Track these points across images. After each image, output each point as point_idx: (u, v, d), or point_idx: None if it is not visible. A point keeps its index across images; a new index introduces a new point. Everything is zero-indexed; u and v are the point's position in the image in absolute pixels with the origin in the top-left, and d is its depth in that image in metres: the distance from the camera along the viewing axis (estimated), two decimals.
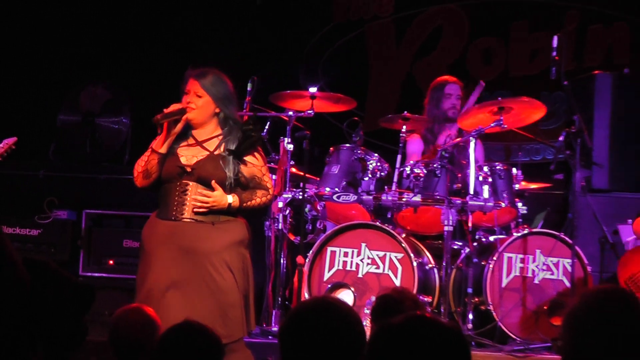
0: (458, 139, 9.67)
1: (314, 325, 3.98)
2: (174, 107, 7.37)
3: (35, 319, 2.03)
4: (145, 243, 7.53)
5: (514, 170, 9.62)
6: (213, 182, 7.23)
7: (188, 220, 7.34)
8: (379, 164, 9.62)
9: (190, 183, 7.32)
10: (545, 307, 9.25)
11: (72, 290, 2.34)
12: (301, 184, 9.31)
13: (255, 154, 7.47)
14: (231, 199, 7.27)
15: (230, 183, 7.33)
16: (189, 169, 7.33)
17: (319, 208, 9.68)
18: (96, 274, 10.74)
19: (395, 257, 9.31)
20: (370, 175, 9.56)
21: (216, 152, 7.39)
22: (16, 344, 2.00)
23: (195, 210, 7.29)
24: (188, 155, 7.41)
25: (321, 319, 4.00)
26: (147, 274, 7.40)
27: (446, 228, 9.23)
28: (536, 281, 9.37)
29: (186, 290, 7.27)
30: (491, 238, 9.77)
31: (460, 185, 9.35)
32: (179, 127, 7.39)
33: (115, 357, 5.55)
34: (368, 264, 9.36)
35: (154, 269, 7.36)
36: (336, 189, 9.52)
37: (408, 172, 9.48)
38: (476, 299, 9.41)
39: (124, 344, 5.55)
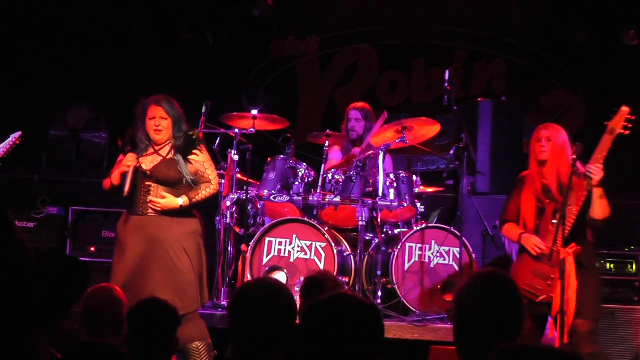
0: (370, 152, 9.69)
1: (255, 300, 4.01)
2: (126, 163, 7.40)
3: (35, 296, 2.00)
4: (119, 233, 7.60)
5: (414, 177, 9.66)
6: (162, 192, 7.34)
7: (152, 214, 7.41)
8: (306, 171, 9.63)
9: (152, 184, 7.39)
10: (438, 286, 9.28)
11: (66, 269, 2.30)
12: (245, 187, 9.31)
13: (196, 150, 7.49)
14: (181, 200, 7.35)
15: (187, 180, 7.42)
16: (148, 173, 7.39)
17: (258, 206, 9.67)
18: (80, 258, 10.65)
19: (320, 245, 9.31)
20: (299, 180, 9.57)
21: (168, 157, 7.44)
22: (21, 320, 1.96)
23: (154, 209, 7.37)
24: (147, 162, 7.46)
25: (261, 296, 4.03)
26: (120, 259, 7.47)
27: (360, 222, 9.23)
28: (431, 265, 9.40)
29: (151, 271, 7.32)
30: (396, 231, 9.78)
31: (371, 188, 9.38)
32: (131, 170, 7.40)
33: (84, 326, 5.54)
34: (298, 251, 9.34)
35: (126, 255, 7.42)
36: (272, 191, 9.53)
37: (330, 178, 9.49)
38: (384, 279, 9.41)
39: (92, 315, 5.53)
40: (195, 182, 7.46)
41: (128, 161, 7.38)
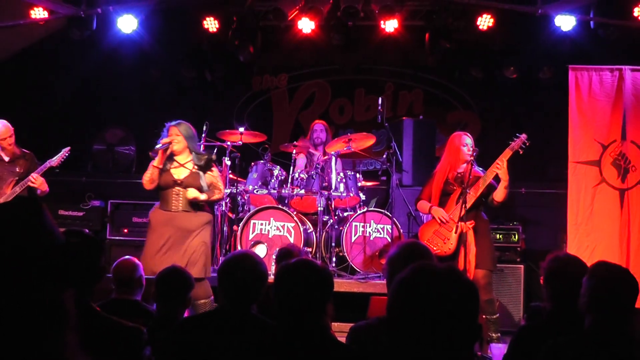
0: (326, 157, 9.68)
1: (237, 265, 4.06)
2: (163, 141, 7.51)
3: (65, 266, 2.00)
4: (152, 222, 7.59)
5: (358, 175, 9.67)
6: (192, 189, 7.46)
7: (179, 211, 7.49)
8: (280, 171, 9.63)
9: (181, 189, 7.48)
10: (376, 253, 9.27)
11: (83, 242, 2.27)
12: (235, 184, 9.33)
13: (212, 169, 7.62)
14: (203, 196, 7.44)
15: (203, 189, 7.50)
16: (179, 182, 7.47)
17: (245, 197, 9.65)
18: (116, 237, 10.68)
19: (290, 225, 9.27)
20: (275, 178, 9.57)
21: (193, 170, 7.52)
22: (51, 282, 1.96)
23: (188, 201, 7.48)
24: (177, 173, 7.53)
25: (242, 262, 4.09)
26: (152, 240, 7.49)
27: (319, 208, 9.24)
28: (371, 238, 9.38)
29: (174, 250, 7.38)
30: (345, 214, 9.76)
31: (327, 184, 9.36)
32: (168, 152, 7.54)
33: (115, 288, 5.52)
34: (274, 229, 9.30)
35: (158, 238, 7.46)
36: (255, 187, 9.51)
37: (297, 176, 9.49)
38: (337, 249, 9.40)
39: (121, 279, 5.51)
40: (208, 189, 7.55)
41: (165, 140, 7.55)
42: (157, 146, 7.50)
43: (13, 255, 1.91)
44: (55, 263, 1.93)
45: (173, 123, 7.60)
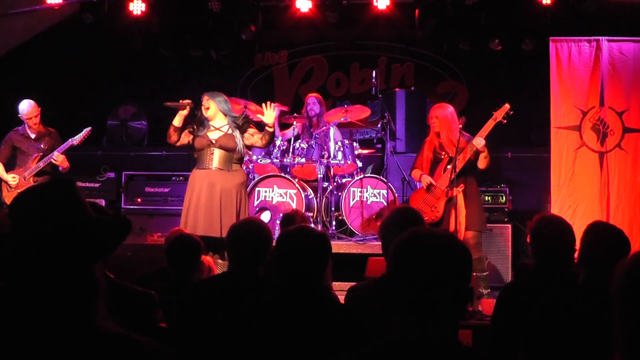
0: (324, 128, 9.65)
1: (243, 231, 4.12)
2: (181, 101, 7.52)
3: (97, 241, 2.07)
4: (190, 181, 7.62)
5: (355, 143, 9.63)
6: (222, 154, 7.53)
7: (215, 169, 7.50)
8: (282, 142, 9.58)
9: (215, 149, 7.50)
10: (373, 216, 9.27)
11: (112, 220, 2.28)
12: None
13: (250, 129, 7.62)
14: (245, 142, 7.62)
15: (239, 149, 7.55)
16: (214, 142, 7.50)
17: (250, 167, 9.62)
18: (131, 206, 10.65)
19: (292, 192, 9.27)
20: (277, 148, 9.52)
21: (228, 132, 7.55)
22: (83, 254, 2.03)
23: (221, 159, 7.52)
24: (212, 135, 7.56)
25: (248, 228, 4.10)
26: (191, 197, 7.49)
27: (319, 175, 9.23)
28: (368, 202, 9.38)
29: (211, 206, 7.40)
30: (343, 180, 9.75)
31: (326, 152, 9.34)
32: (185, 113, 7.49)
33: (165, 255, 5.35)
34: (278, 196, 9.31)
35: (193, 197, 7.47)
36: (259, 156, 9.50)
37: (297, 146, 9.46)
38: (336, 213, 9.39)
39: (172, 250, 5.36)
40: (242, 151, 7.62)
41: (185, 101, 7.53)
42: (176, 102, 7.50)
43: (51, 231, 1.97)
44: (88, 238, 2.01)
45: (205, 93, 7.67)
